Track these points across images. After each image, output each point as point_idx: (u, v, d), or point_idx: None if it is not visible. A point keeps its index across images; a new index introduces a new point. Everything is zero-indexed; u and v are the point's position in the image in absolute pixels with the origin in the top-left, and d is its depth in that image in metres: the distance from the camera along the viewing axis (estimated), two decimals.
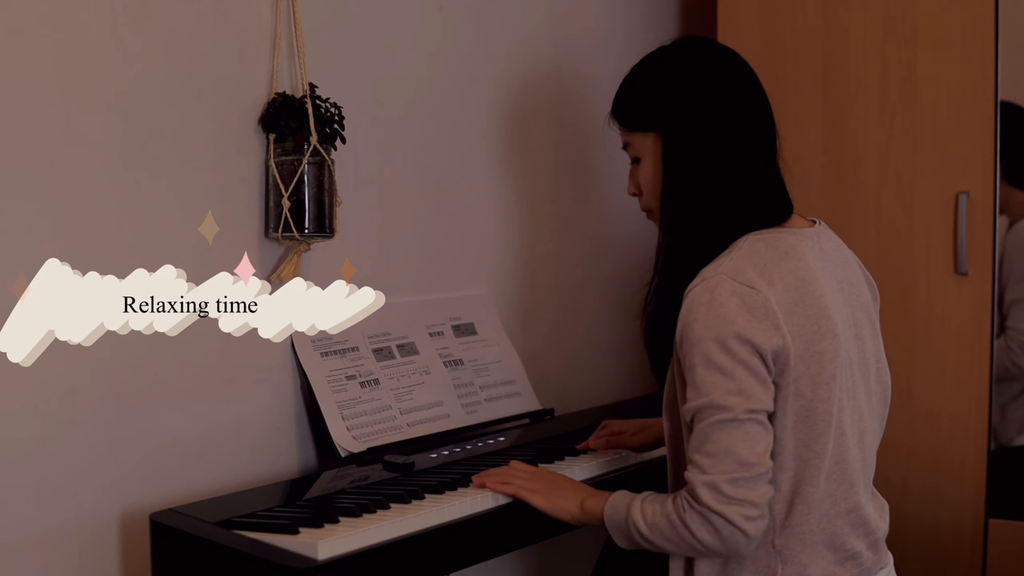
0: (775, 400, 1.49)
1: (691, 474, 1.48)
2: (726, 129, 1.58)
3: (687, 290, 1.52)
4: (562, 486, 1.69)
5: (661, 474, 1.68)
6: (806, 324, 1.49)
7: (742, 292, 1.47)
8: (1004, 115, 2.39)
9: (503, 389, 2.22)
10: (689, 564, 1.57)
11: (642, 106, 1.63)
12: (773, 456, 1.50)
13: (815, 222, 1.65)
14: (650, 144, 1.62)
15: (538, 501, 1.66)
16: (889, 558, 1.66)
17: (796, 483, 1.51)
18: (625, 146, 1.68)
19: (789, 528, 1.52)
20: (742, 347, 1.46)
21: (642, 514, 1.53)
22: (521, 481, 1.69)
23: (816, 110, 2.57)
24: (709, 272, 1.51)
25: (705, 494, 1.45)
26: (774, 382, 1.49)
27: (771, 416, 1.49)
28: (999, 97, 2.39)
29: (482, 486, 1.69)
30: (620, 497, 1.59)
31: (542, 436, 2.08)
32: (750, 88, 1.62)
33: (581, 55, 2.56)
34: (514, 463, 1.76)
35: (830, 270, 1.58)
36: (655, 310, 1.62)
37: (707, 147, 1.58)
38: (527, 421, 2.22)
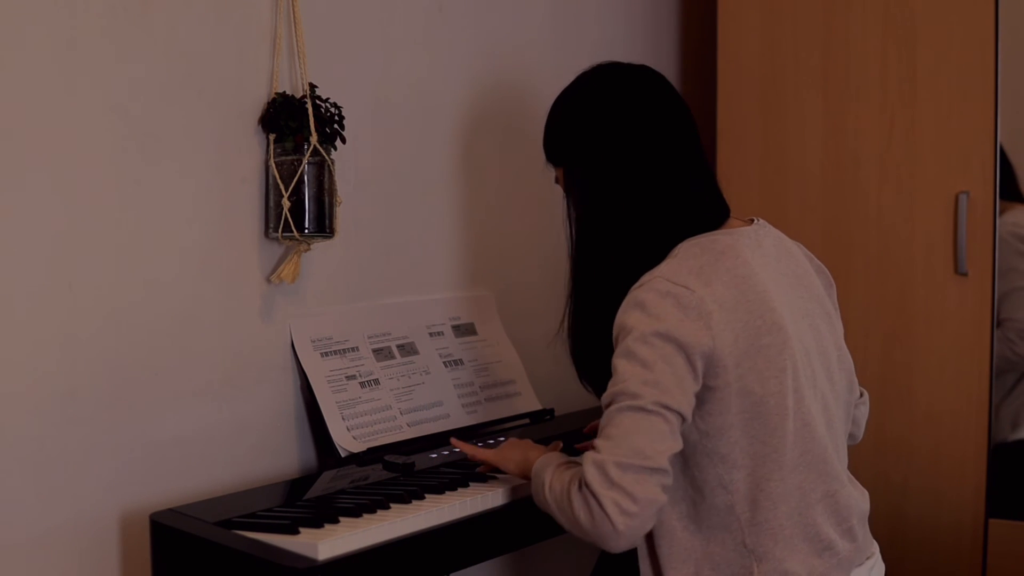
0: (712, 403, 1.49)
1: (586, 454, 1.47)
2: (630, 152, 1.60)
3: (629, 293, 1.53)
4: (520, 445, 1.74)
5: None
6: (749, 319, 1.50)
7: (676, 292, 1.48)
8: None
9: (503, 389, 2.22)
10: (656, 569, 1.57)
11: (549, 142, 1.72)
12: (724, 457, 1.50)
13: (753, 220, 1.66)
14: (563, 176, 1.69)
15: (488, 455, 1.74)
16: (874, 547, 1.66)
17: (755, 479, 1.51)
18: (556, 180, 1.73)
19: (757, 525, 1.52)
20: (667, 344, 1.46)
21: (551, 478, 1.53)
22: (487, 448, 1.77)
23: (816, 110, 2.58)
24: (647, 277, 1.53)
25: (591, 473, 1.43)
26: (710, 385, 1.49)
27: (711, 427, 1.49)
28: (999, 97, 2.39)
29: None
30: (552, 456, 1.60)
31: (542, 436, 2.08)
32: (660, 102, 1.63)
33: (581, 55, 2.56)
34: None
35: (772, 265, 1.60)
36: (583, 332, 1.65)
37: (611, 173, 1.61)
38: (527, 421, 2.22)
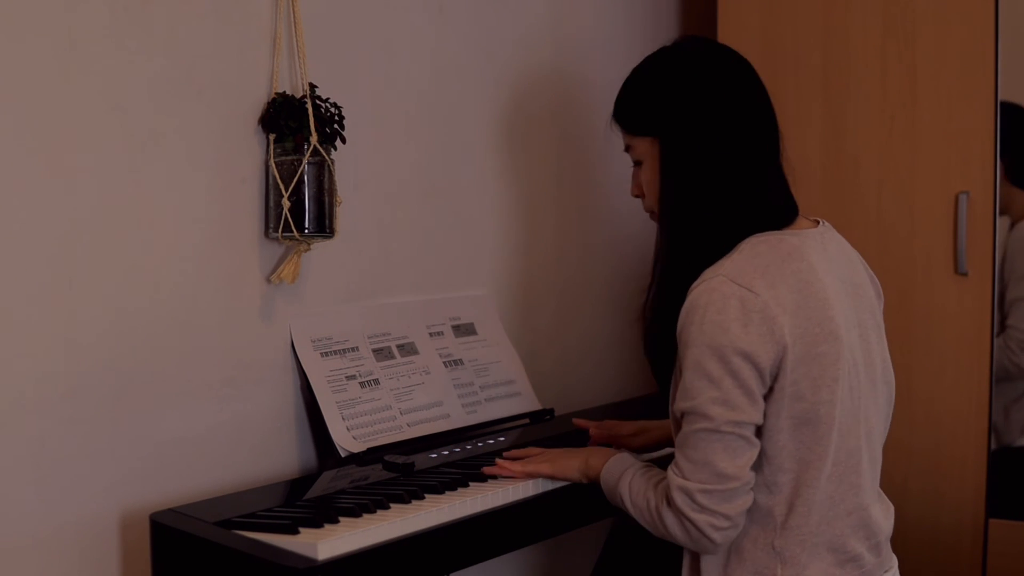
0: (770, 403, 1.49)
1: (671, 475, 1.51)
2: (725, 132, 1.57)
3: (689, 290, 1.52)
4: (568, 452, 1.76)
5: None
6: (809, 326, 1.49)
7: (741, 295, 1.47)
8: (1004, 115, 2.39)
9: (503, 389, 2.22)
10: (695, 562, 1.58)
11: (641, 110, 1.63)
12: (771, 459, 1.50)
13: (819, 222, 1.64)
14: (648, 148, 1.62)
15: (546, 469, 1.74)
16: (893, 561, 1.66)
17: (797, 484, 1.51)
18: (627, 148, 1.67)
19: (789, 529, 1.52)
20: (735, 358, 1.46)
21: (629, 489, 1.59)
22: (534, 461, 1.76)
23: (816, 110, 2.57)
24: (710, 274, 1.51)
25: (679, 498, 1.49)
26: (770, 387, 1.49)
27: (762, 426, 1.50)
28: (999, 97, 2.39)
29: (494, 477, 1.75)
30: (618, 462, 1.65)
31: (542, 436, 2.08)
32: (751, 89, 1.61)
33: (581, 55, 2.56)
34: (529, 450, 1.83)
35: (834, 271, 1.58)
36: (655, 315, 1.62)
37: (705, 151, 1.57)
38: (527, 421, 2.22)
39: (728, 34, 2.66)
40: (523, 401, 2.25)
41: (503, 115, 2.37)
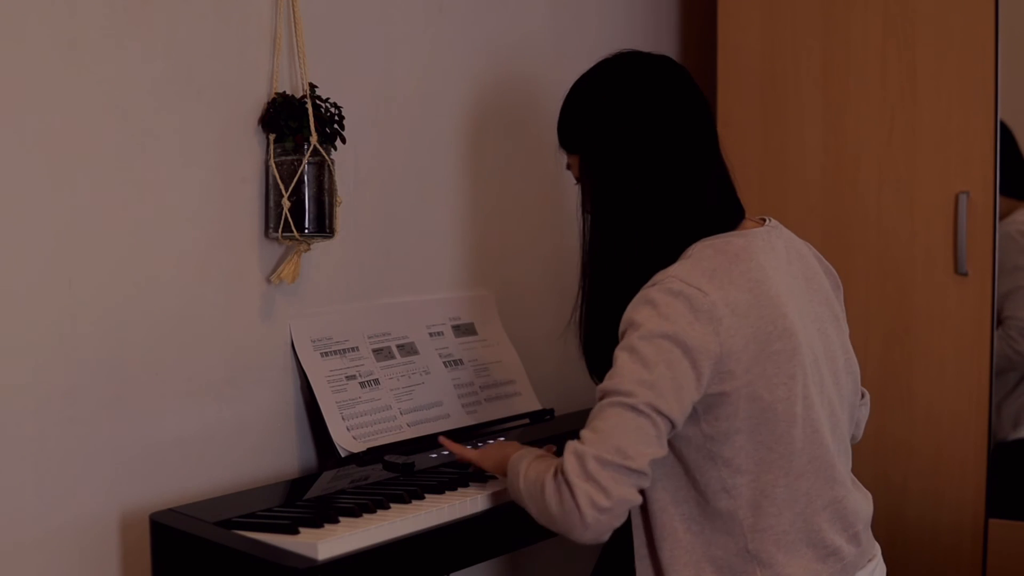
0: (721, 407, 1.47)
1: (569, 443, 1.46)
2: (649, 145, 1.57)
3: (640, 290, 1.51)
4: (502, 444, 1.73)
5: None
6: (760, 324, 1.48)
7: (689, 293, 1.46)
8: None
9: (503, 389, 2.22)
10: (658, 571, 1.55)
11: (568, 127, 1.65)
12: (728, 462, 1.49)
13: (765, 220, 1.65)
14: (578, 164, 1.64)
15: (471, 455, 1.73)
16: (876, 549, 1.65)
17: (759, 485, 1.50)
18: (568, 166, 1.69)
19: (761, 531, 1.51)
20: (673, 347, 1.44)
21: (526, 468, 1.53)
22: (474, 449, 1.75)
23: (816, 110, 2.58)
24: (660, 276, 1.51)
25: (570, 462, 1.43)
26: (718, 390, 1.47)
27: (714, 433, 1.48)
28: (999, 97, 2.39)
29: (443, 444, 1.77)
30: (529, 450, 1.60)
31: (542, 436, 2.08)
32: (680, 98, 1.60)
33: (581, 55, 2.56)
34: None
35: (784, 267, 1.58)
36: (594, 328, 1.63)
37: (628, 165, 1.57)
38: (527, 421, 2.22)
39: (728, 34, 2.66)
40: (523, 401, 2.25)
41: (503, 115, 2.37)
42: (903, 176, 2.49)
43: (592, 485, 1.40)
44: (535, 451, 1.60)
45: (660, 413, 1.43)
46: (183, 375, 1.78)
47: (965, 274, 2.42)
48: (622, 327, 1.50)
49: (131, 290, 1.70)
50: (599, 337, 1.61)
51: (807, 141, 2.57)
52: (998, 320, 2.51)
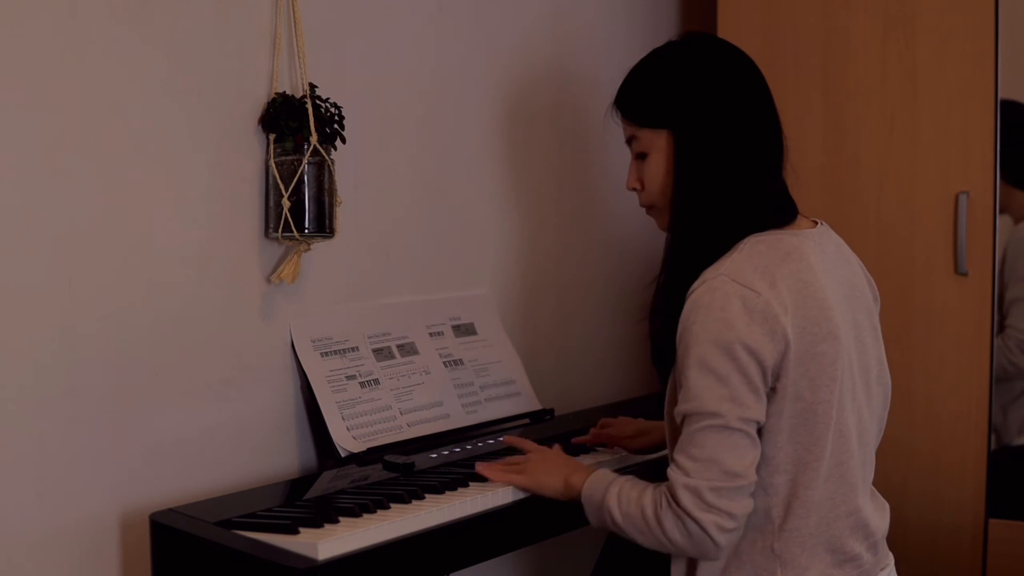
0: (770, 404, 1.48)
1: (674, 475, 1.47)
2: (738, 129, 1.56)
3: (689, 291, 1.51)
4: (550, 461, 1.71)
5: (660, 475, 1.68)
6: (808, 325, 1.49)
7: (743, 294, 1.46)
8: (1004, 113, 2.39)
9: (503, 389, 2.22)
10: (691, 567, 1.56)
11: (654, 102, 1.60)
12: (768, 460, 1.50)
13: (817, 223, 1.64)
14: (661, 141, 1.60)
15: (523, 482, 1.69)
16: (890, 558, 1.66)
17: (793, 486, 1.51)
18: (629, 140, 1.66)
19: (787, 531, 1.51)
20: (742, 353, 1.45)
21: (617, 501, 1.54)
22: (514, 469, 1.71)
23: (816, 110, 2.57)
24: (710, 274, 1.50)
25: (686, 498, 1.45)
26: (772, 387, 1.48)
27: (763, 425, 1.49)
28: (999, 97, 2.39)
29: (483, 479, 1.73)
30: (600, 477, 1.59)
31: (542, 436, 2.08)
32: (760, 89, 1.61)
33: (581, 55, 2.56)
34: (507, 438, 1.83)
35: (832, 272, 1.57)
36: (659, 311, 1.61)
37: (719, 147, 1.56)
38: (527, 421, 2.22)
39: (728, 34, 2.66)
40: (523, 401, 2.25)
41: (503, 115, 2.37)
42: (903, 176, 2.49)
43: (715, 514, 1.45)
44: (608, 476, 1.59)
45: (749, 421, 1.46)
46: (183, 375, 1.78)
47: (965, 274, 2.42)
48: (680, 332, 1.50)
49: (131, 290, 1.70)
50: (665, 324, 1.58)
51: (807, 141, 2.56)
52: (1001, 326, 2.50)
